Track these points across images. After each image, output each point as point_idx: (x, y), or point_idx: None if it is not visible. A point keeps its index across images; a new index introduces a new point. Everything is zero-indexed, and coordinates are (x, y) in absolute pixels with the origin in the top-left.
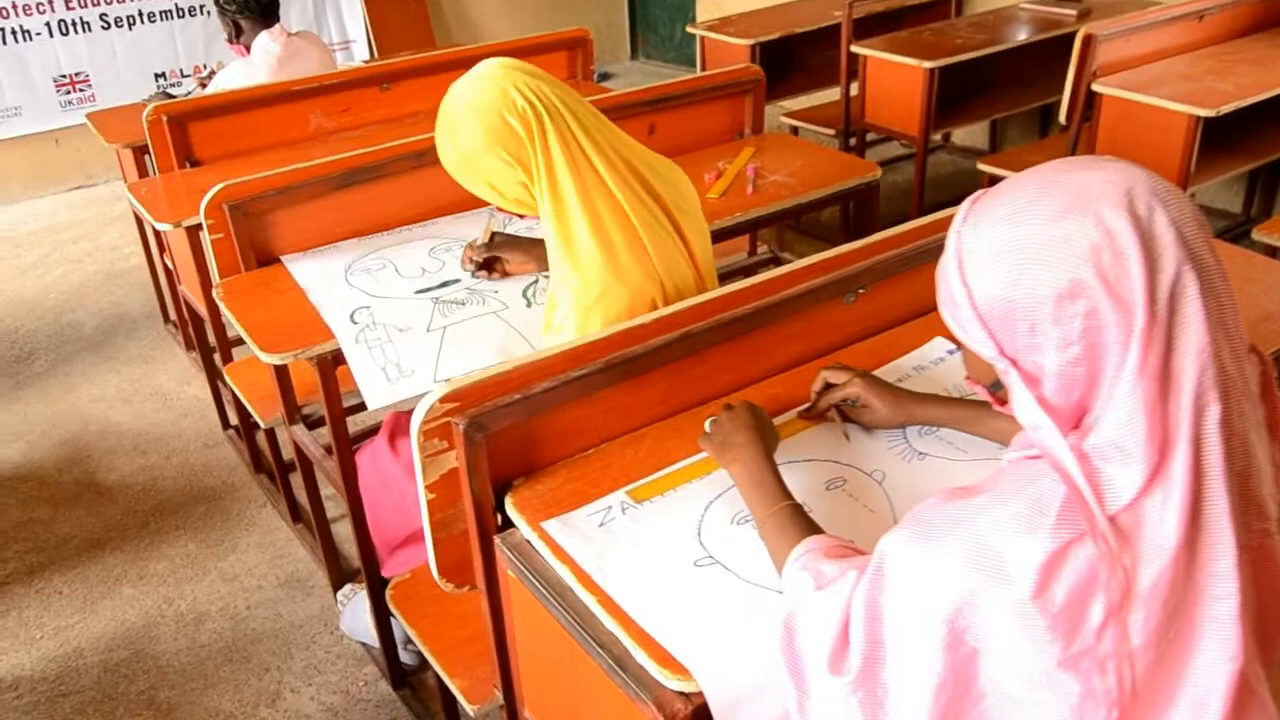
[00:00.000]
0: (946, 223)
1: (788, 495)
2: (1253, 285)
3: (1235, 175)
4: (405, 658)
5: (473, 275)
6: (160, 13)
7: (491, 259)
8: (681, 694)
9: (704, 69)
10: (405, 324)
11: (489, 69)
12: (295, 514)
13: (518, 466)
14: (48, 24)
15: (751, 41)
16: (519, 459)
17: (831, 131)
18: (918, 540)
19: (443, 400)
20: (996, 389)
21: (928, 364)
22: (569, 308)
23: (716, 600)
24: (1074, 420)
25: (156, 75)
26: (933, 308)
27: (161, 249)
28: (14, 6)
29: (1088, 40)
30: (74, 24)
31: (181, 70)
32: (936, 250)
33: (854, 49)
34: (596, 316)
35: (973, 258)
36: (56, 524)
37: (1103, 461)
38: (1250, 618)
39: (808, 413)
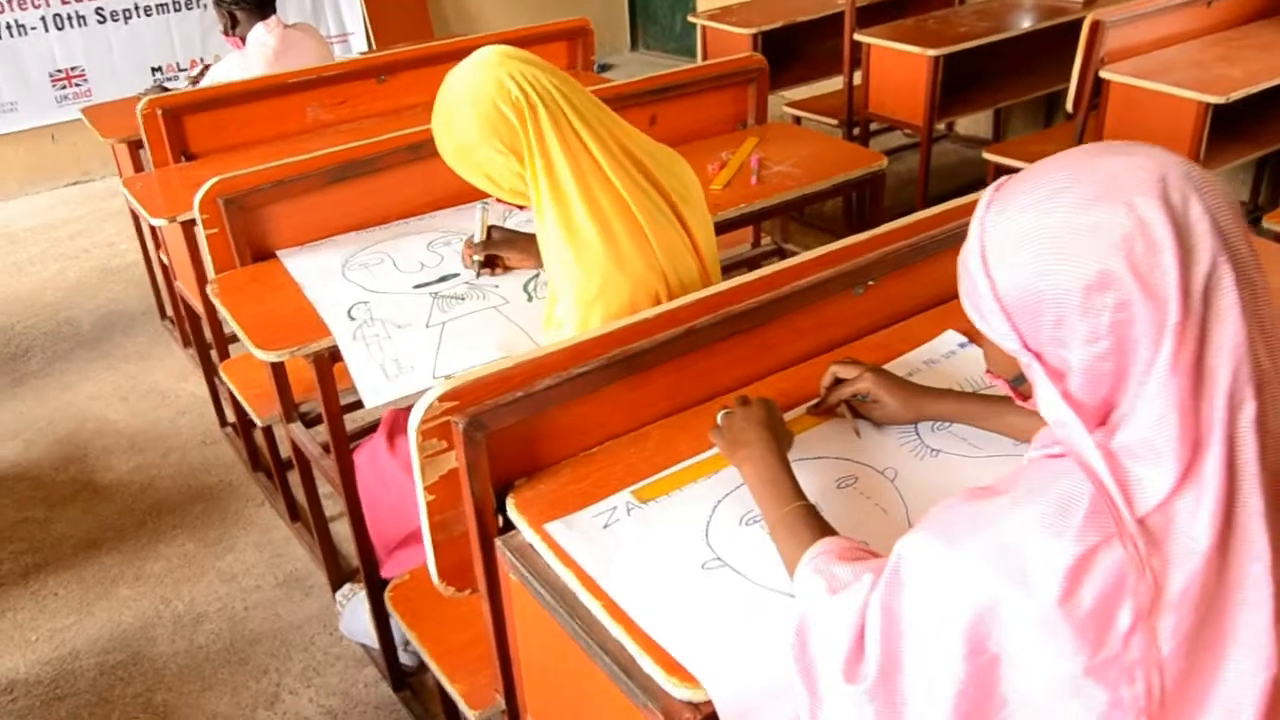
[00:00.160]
0: (957, 213)
1: (800, 496)
2: None
3: (1244, 163)
4: (405, 659)
5: (476, 276)
6: (156, 6)
7: (491, 256)
8: (689, 703)
9: (705, 59)
10: (404, 320)
11: (485, 57)
12: (294, 512)
13: (519, 466)
14: (43, 18)
15: (753, 30)
16: (520, 458)
17: (834, 121)
18: (936, 543)
19: (442, 399)
20: (1019, 383)
21: (939, 357)
22: (570, 301)
23: (725, 604)
24: (1099, 417)
25: (153, 69)
26: (943, 300)
27: (157, 244)
28: (9, 1)
29: (1095, 27)
30: (69, 18)
31: (178, 64)
32: (947, 241)
33: (857, 37)
34: (598, 310)
35: (996, 247)
36: (52, 524)
37: (1132, 460)
38: None
39: (817, 408)
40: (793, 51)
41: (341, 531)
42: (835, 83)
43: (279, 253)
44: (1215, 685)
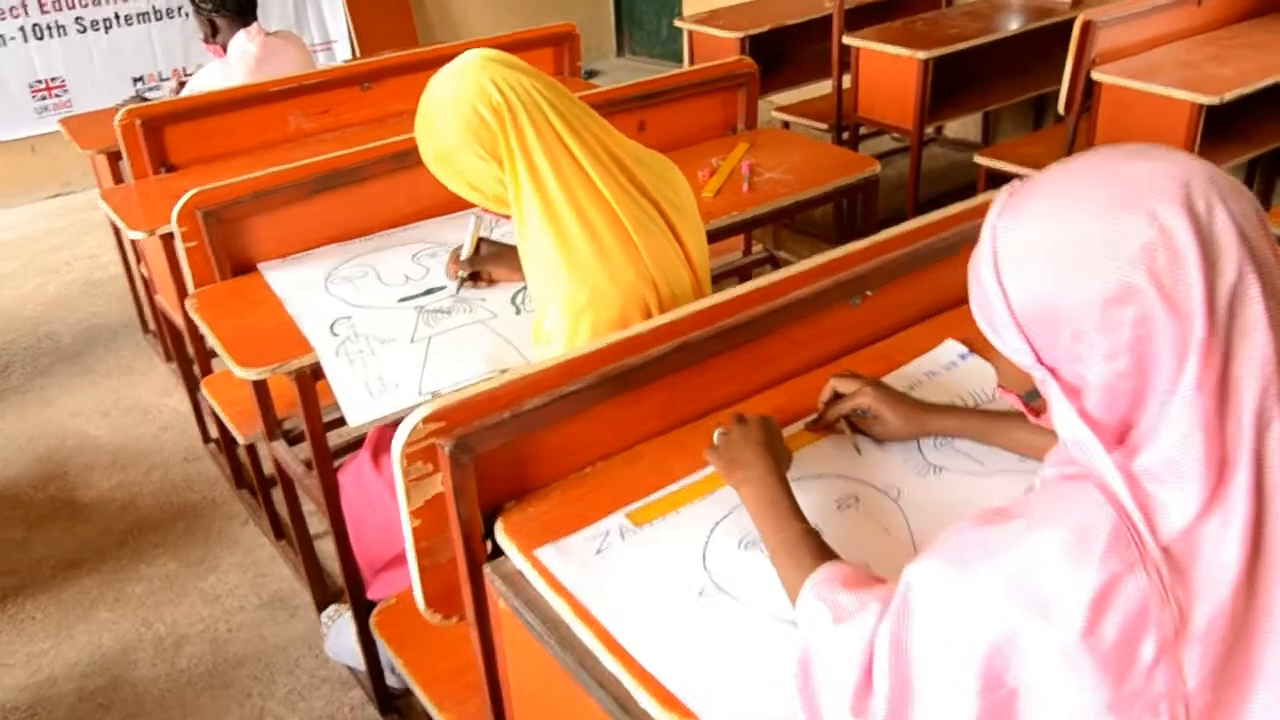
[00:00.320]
0: (956, 219)
1: (801, 518)
2: None
3: (1235, 164)
4: (392, 681)
5: (457, 290)
6: (137, 15)
7: (477, 270)
8: None
9: (692, 64)
10: (388, 335)
11: (468, 61)
12: (278, 531)
13: (508, 489)
14: (21, 29)
15: (741, 34)
16: (509, 481)
17: (824, 126)
18: (949, 570)
19: (426, 420)
20: (1032, 399)
21: (940, 369)
22: (558, 313)
23: (724, 634)
24: (1118, 435)
25: (134, 79)
26: (942, 308)
27: (138, 258)
28: None
29: (1087, 27)
30: (49, 28)
31: (160, 74)
32: (946, 249)
33: (846, 40)
34: (587, 321)
35: (1010, 256)
36: (31, 545)
37: (1154, 484)
38: None
39: (815, 424)
40: (780, 55)
41: (327, 550)
42: (823, 87)
43: (260, 266)
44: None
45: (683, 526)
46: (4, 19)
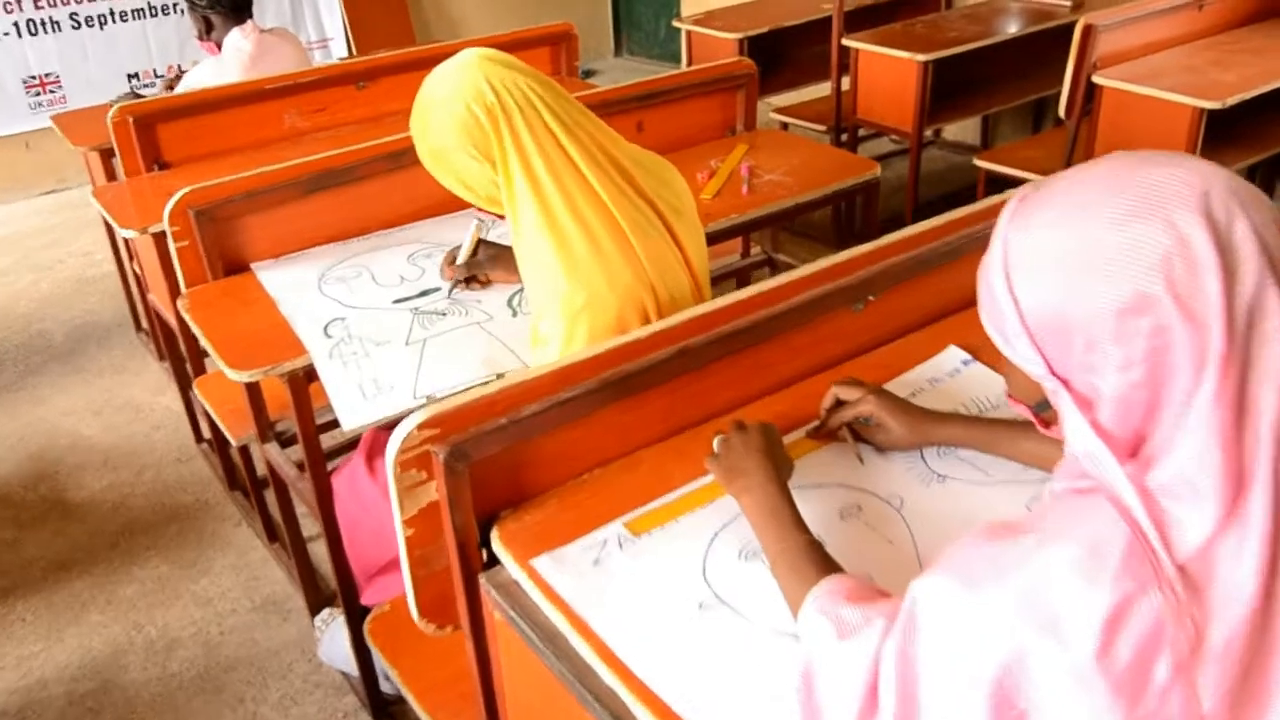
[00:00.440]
0: (960, 224)
1: (803, 529)
2: None
3: (1236, 169)
4: (386, 687)
5: (450, 293)
6: (132, 11)
7: (474, 273)
8: None
9: (690, 65)
10: (383, 337)
11: (464, 59)
12: (271, 533)
13: (504, 497)
14: (15, 24)
15: (739, 35)
16: (505, 488)
17: (822, 127)
18: (957, 587)
19: (421, 427)
20: (1042, 409)
21: (943, 376)
22: (555, 315)
23: (724, 648)
24: (1130, 448)
25: (129, 76)
26: (945, 314)
27: (131, 255)
28: None
29: (1088, 31)
30: (43, 23)
31: (155, 70)
32: (950, 253)
33: (845, 42)
34: (584, 324)
35: (1022, 264)
36: (21, 546)
37: (1169, 499)
38: None
39: (817, 431)
40: (779, 57)
41: (321, 553)
42: (822, 89)
43: (253, 265)
44: None
45: (682, 536)
46: None
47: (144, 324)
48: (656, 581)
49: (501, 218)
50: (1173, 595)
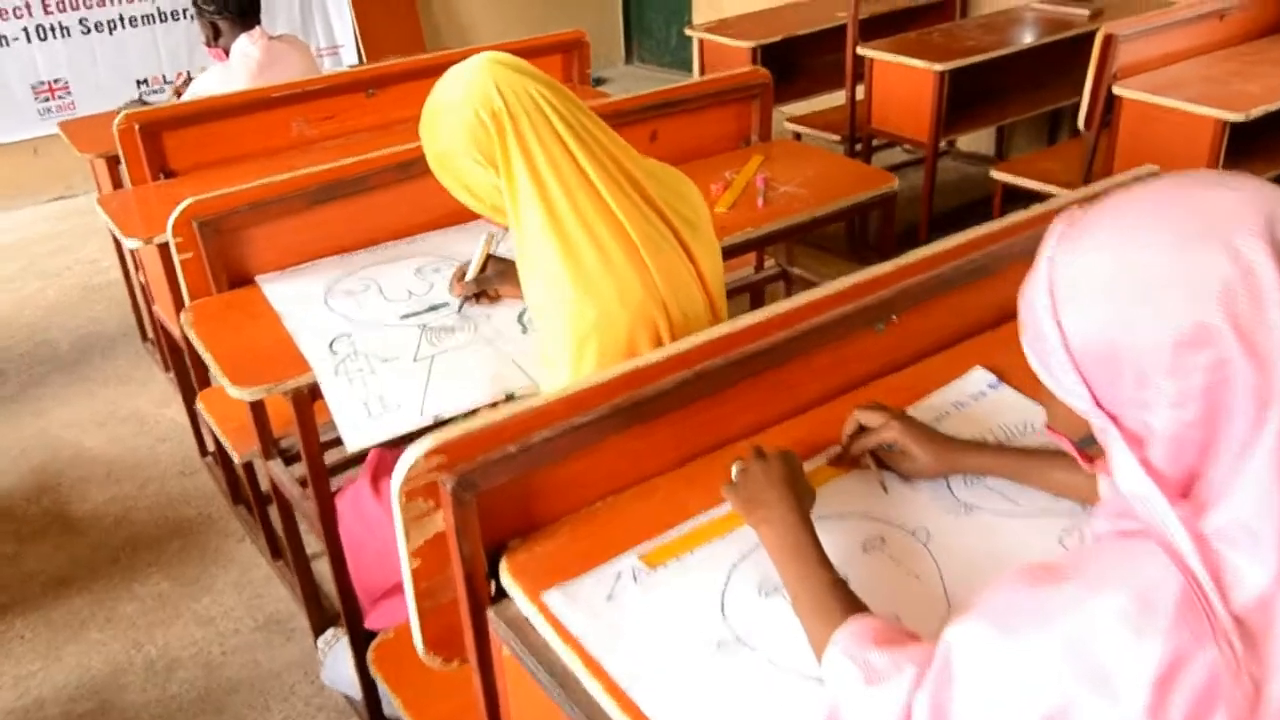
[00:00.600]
0: (987, 240)
1: (827, 565)
2: None
3: None
4: (391, 712)
5: (460, 310)
6: (142, 17)
7: (483, 288)
8: None
9: (702, 73)
10: (389, 353)
11: (475, 62)
12: (275, 550)
13: (513, 526)
14: (25, 29)
15: (753, 44)
16: (515, 517)
17: (836, 137)
18: (996, 635)
19: (428, 455)
20: (1086, 445)
21: (968, 399)
22: (563, 332)
23: (744, 690)
24: (1181, 488)
25: (138, 82)
26: (969, 334)
27: (137, 265)
28: None
29: (1108, 41)
30: (53, 29)
31: (164, 76)
32: (975, 271)
33: (860, 51)
34: (593, 344)
35: (1069, 290)
36: (21, 560)
37: (1226, 546)
38: None
39: (839, 459)
40: (792, 65)
41: (325, 571)
42: (835, 98)
43: (258, 278)
44: None
45: (699, 569)
46: (7, 19)
47: (150, 334)
48: (672, 618)
49: (505, 227)
50: (1229, 649)
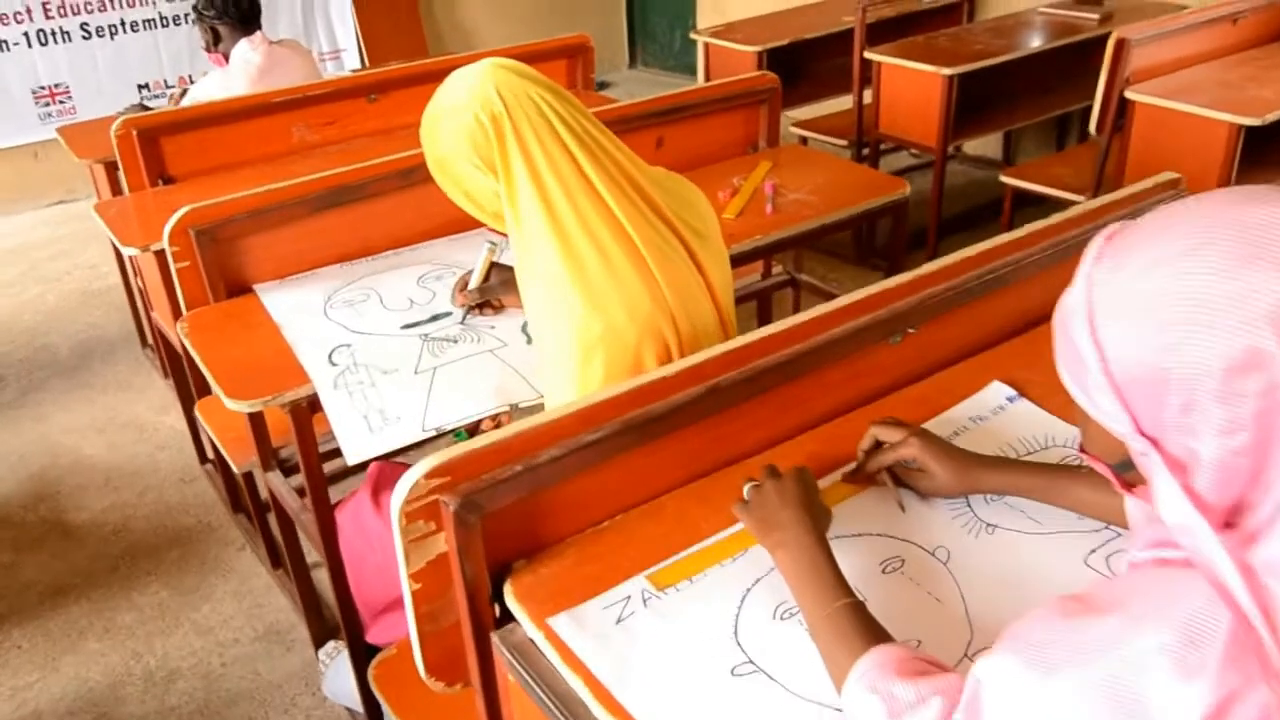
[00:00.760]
0: (1005, 250)
1: (846, 590)
2: None
3: None
4: None
5: (463, 320)
6: (143, 22)
7: (487, 298)
8: None
9: (707, 77)
10: (390, 365)
11: (477, 66)
12: (275, 558)
13: (518, 546)
14: (25, 34)
15: (759, 48)
16: (519, 537)
17: (843, 142)
18: (1028, 671)
19: (429, 475)
20: (1124, 469)
21: (987, 414)
22: (568, 344)
23: (760, 719)
24: (1225, 517)
25: (139, 86)
26: (986, 345)
27: (135, 271)
28: None
29: (1121, 45)
30: (53, 34)
31: (166, 81)
32: (993, 282)
33: (868, 55)
34: (599, 357)
35: (1110, 310)
36: (19, 569)
37: (1277, 581)
38: None
39: (854, 475)
40: (797, 70)
41: (327, 580)
42: (842, 102)
43: (256, 287)
44: None
45: (711, 592)
46: (7, 24)
47: (150, 340)
48: (685, 644)
49: (505, 235)
50: None
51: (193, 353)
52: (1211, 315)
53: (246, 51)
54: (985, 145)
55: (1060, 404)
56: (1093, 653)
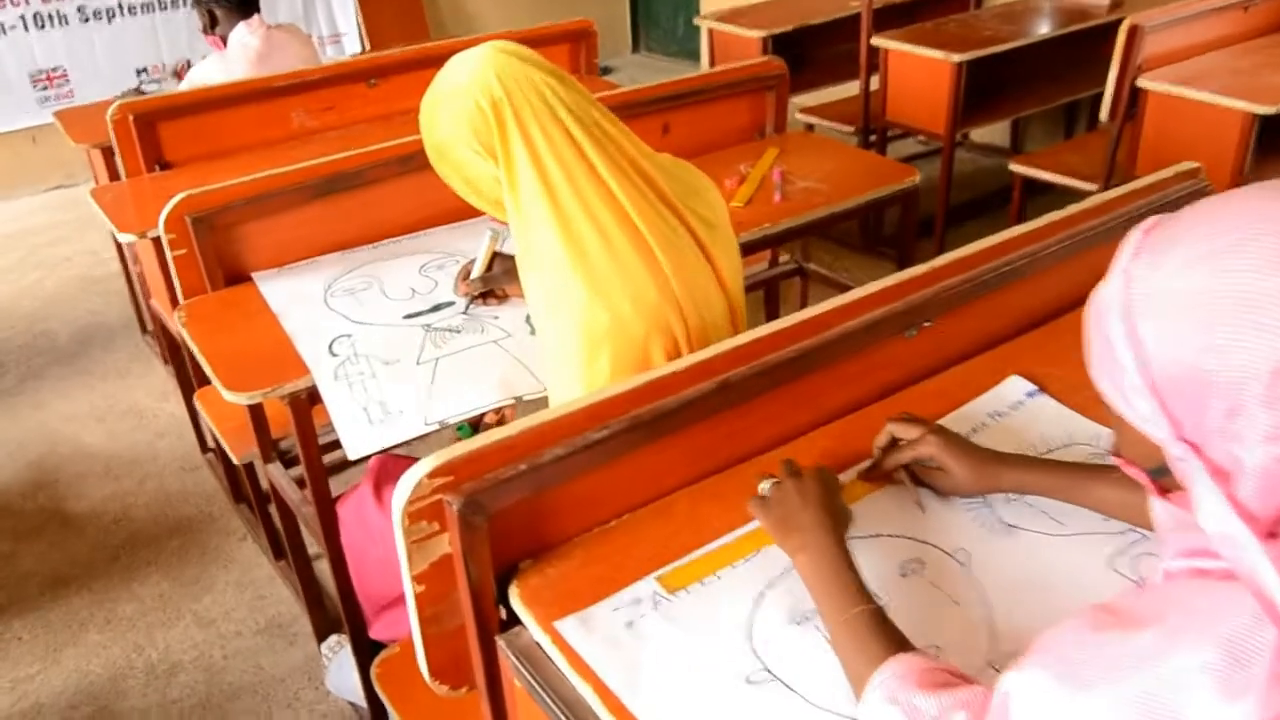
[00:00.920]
0: (1023, 240)
1: (866, 596)
2: None
3: None
4: None
5: (466, 310)
6: (141, 5)
7: (490, 287)
8: None
9: (712, 63)
10: (392, 356)
11: (478, 50)
12: (278, 549)
13: (524, 547)
14: (22, 17)
15: (764, 33)
16: (525, 537)
17: (850, 128)
18: (1061, 688)
19: (432, 475)
20: (1160, 475)
21: (1006, 409)
22: (572, 336)
23: None
24: (1268, 527)
25: (138, 70)
26: (1004, 338)
27: (134, 257)
28: None
29: (1134, 32)
30: (50, 17)
31: (164, 65)
32: (1010, 274)
33: (875, 41)
34: (606, 352)
35: (1148, 310)
36: (18, 559)
37: None
38: None
39: (870, 473)
40: (803, 55)
41: (329, 572)
42: (848, 88)
43: (254, 276)
44: None
45: (724, 594)
46: (4, 7)
47: (149, 326)
48: (697, 649)
49: (505, 223)
50: None
51: (190, 343)
52: (1259, 315)
53: (244, 35)
54: (992, 133)
55: (1082, 401)
56: (1128, 669)
